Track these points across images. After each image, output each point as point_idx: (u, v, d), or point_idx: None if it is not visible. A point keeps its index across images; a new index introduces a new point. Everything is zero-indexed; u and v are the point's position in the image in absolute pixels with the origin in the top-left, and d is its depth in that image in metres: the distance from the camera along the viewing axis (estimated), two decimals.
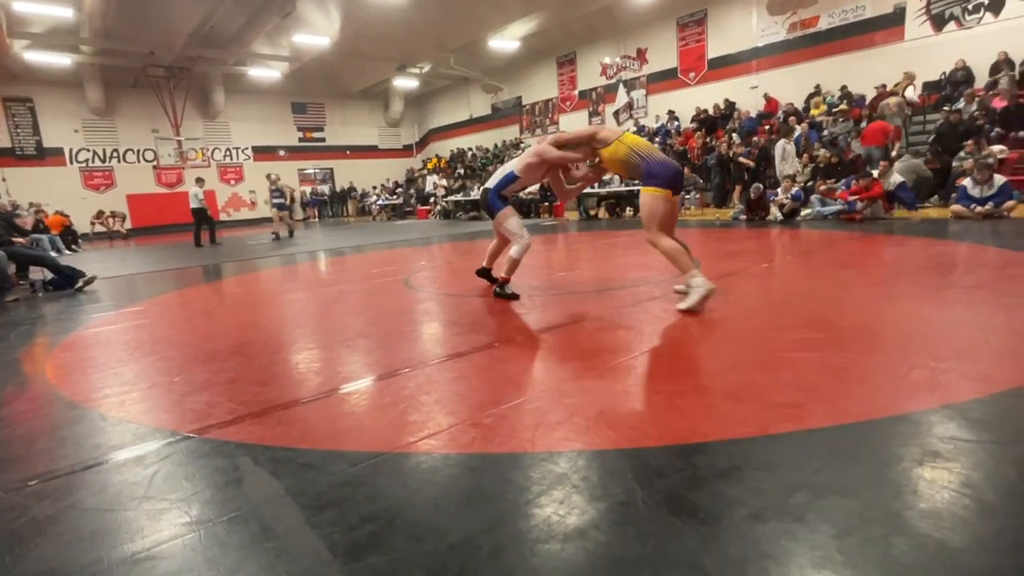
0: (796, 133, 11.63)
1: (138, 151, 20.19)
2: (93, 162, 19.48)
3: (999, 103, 9.59)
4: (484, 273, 4.46)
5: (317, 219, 22.85)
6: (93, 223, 18.35)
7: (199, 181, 12.24)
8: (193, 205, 11.75)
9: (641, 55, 16.93)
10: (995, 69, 10.42)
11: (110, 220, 18.61)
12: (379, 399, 2.29)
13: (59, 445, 2.04)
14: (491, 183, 4.07)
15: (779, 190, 9.18)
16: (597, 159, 3.80)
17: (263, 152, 23.13)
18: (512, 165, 4.01)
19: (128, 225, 19.06)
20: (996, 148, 8.62)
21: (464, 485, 1.56)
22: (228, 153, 22.43)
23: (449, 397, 2.24)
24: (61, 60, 16.21)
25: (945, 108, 10.17)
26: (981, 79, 10.60)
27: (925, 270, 4.38)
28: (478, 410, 2.06)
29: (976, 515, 1.27)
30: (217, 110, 21.21)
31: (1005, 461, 1.49)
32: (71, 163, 19.11)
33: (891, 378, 2.12)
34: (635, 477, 1.52)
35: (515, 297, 4.00)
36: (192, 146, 20.90)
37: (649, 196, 3.46)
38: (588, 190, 11.39)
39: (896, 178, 7.97)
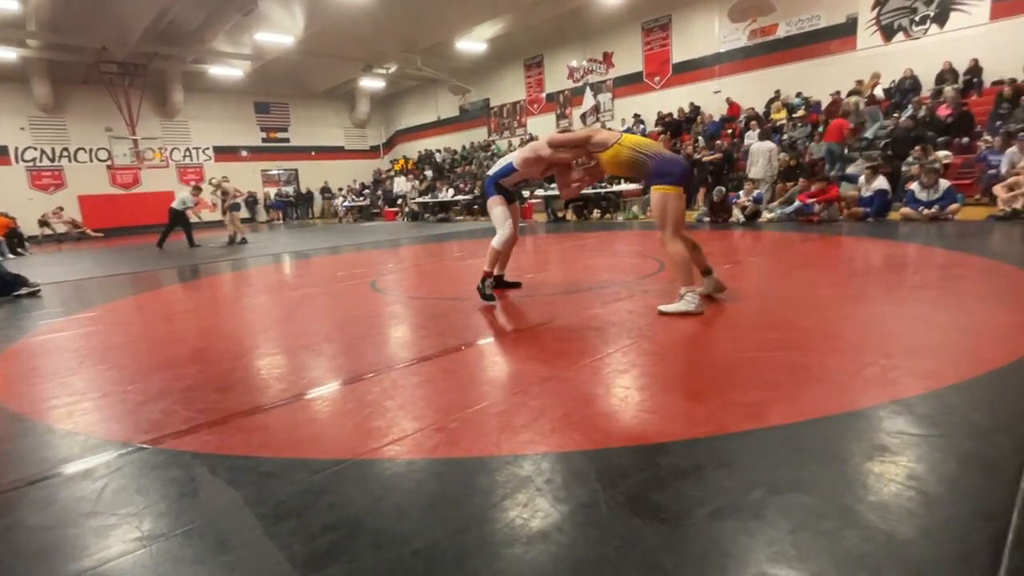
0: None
1: (91, 150, 19.40)
2: (41, 161, 18.63)
3: (944, 111, 10.06)
4: (500, 281, 4.30)
5: (282, 221, 22.35)
6: (43, 223, 17.47)
7: (196, 190, 11.90)
8: (174, 206, 11.34)
9: (607, 59, 17.16)
10: (940, 79, 10.94)
11: (54, 218, 17.60)
12: (343, 405, 2.25)
13: (1, 460, 1.94)
14: (492, 170, 4.09)
15: (741, 193, 9.42)
16: (593, 161, 3.70)
17: (225, 152, 22.53)
18: (512, 157, 4.03)
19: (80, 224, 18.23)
20: (941, 154, 9.05)
21: (428, 491, 1.55)
22: (188, 153, 21.76)
23: (414, 402, 2.22)
24: (6, 54, 15.48)
25: (895, 115, 10.62)
26: (928, 87, 11.12)
27: (877, 271, 4.55)
28: (443, 414, 2.05)
29: (921, 507, 1.32)
30: (176, 109, 20.56)
31: (949, 454, 1.56)
32: (17, 162, 18.24)
33: (845, 375, 2.20)
34: (598, 478, 1.54)
35: (492, 300, 3.91)
36: (149, 146, 20.20)
37: (661, 195, 3.34)
38: (555, 192, 11.46)
39: (880, 182, 8.11)
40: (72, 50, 16.11)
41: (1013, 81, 9.82)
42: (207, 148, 22.16)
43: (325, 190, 23.55)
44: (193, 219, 11.85)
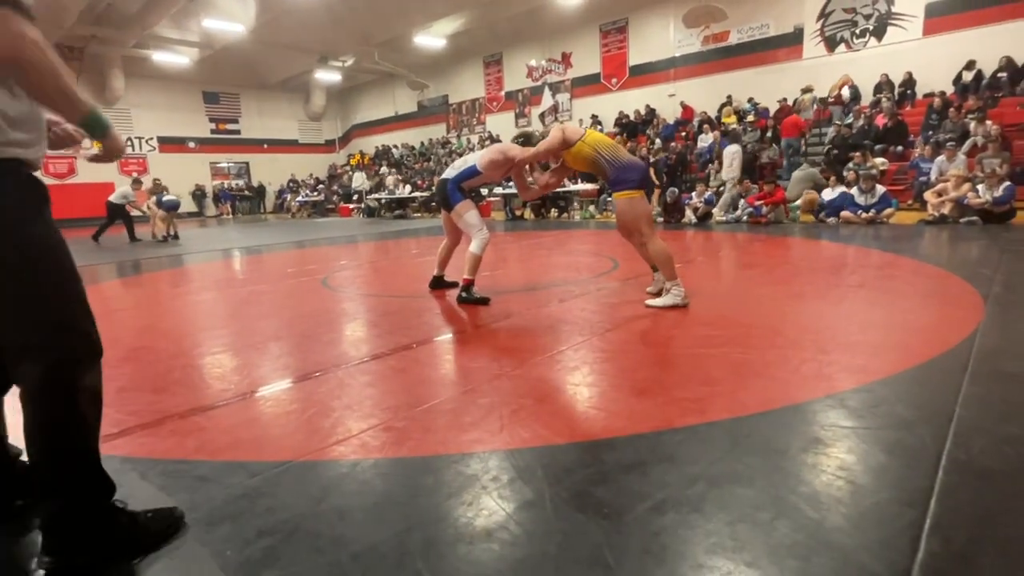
0: (710, 141, 12.33)
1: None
2: None
3: (881, 120, 10.61)
4: (438, 282, 4.24)
5: (230, 215, 21.56)
6: None
7: (136, 183, 11.27)
8: (113, 199, 10.73)
9: (566, 59, 17.30)
10: (878, 89, 11.53)
11: None
12: (287, 405, 2.18)
13: None
14: (450, 174, 3.89)
15: (693, 194, 9.67)
16: (560, 160, 3.75)
17: (171, 143, 21.54)
18: (474, 158, 3.86)
19: None
20: (878, 160, 9.53)
21: (372, 492, 1.52)
22: (130, 143, 20.68)
23: (361, 401, 2.17)
24: None
25: (836, 123, 11.12)
26: (867, 97, 11.70)
27: (817, 270, 4.76)
28: (391, 414, 2.02)
29: (849, 496, 1.38)
30: (116, 95, 19.49)
31: (875, 445, 1.64)
32: None
33: (785, 371, 2.28)
34: (544, 476, 1.54)
35: (484, 301, 3.74)
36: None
37: (626, 200, 3.45)
38: (512, 190, 11.49)
39: (840, 188, 8.39)
40: None
41: (943, 94, 10.44)
42: (151, 138, 21.13)
43: (292, 182, 22.59)
44: (134, 213, 11.19)
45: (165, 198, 11.15)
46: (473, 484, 1.51)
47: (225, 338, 3.33)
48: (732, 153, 10.32)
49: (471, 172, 3.83)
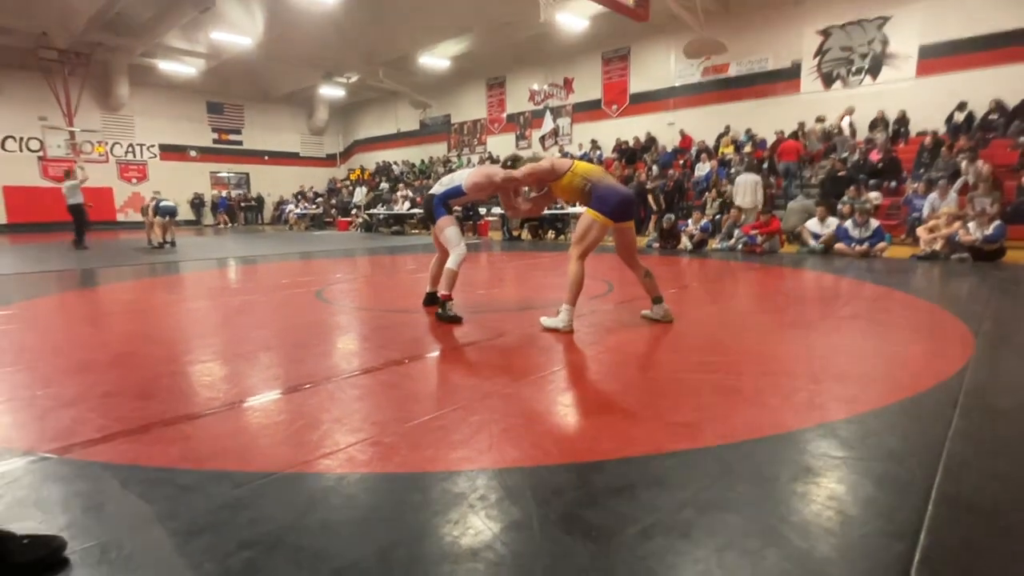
0: (708, 170, 12.50)
1: (21, 139, 18.23)
2: None
3: (875, 156, 10.79)
4: (432, 298, 4.19)
5: (228, 225, 21.54)
6: None
7: (69, 174, 10.79)
8: (71, 200, 10.46)
9: (568, 84, 17.58)
10: (873, 125, 11.75)
11: None
12: (275, 416, 2.16)
13: None
14: (437, 189, 3.96)
15: (690, 221, 9.76)
16: (544, 189, 3.82)
17: (172, 151, 21.63)
18: (461, 178, 3.92)
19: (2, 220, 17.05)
20: (872, 195, 9.67)
21: (357, 506, 1.49)
22: (131, 149, 20.75)
23: (351, 414, 2.15)
24: None
25: (832, 156, 11.31)
26: (862, 133, 11.92)
27: (810, 301, 4.79)
28: (380, 428, 2.00)
29: (839, 526, 1.37)
30: (120, 102, 19.62)
31: (866, 476, 1.63)
32: None
33: (776, 399, 2.28)
34: (533, 496, 1.52)
35: (458, 320, 3.74)
36: (88, 138, 19.14)
37: (589, 219, 3.46)
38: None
39: (833, 221, 8.38)
40: (8, 33, 15.18)
41: (935, 133, 10.65)
42: (152, 145, 21.21)
43: (300, 193, 22.55)
44: (131, 219, 11.04)
45: (162, 203, 11.05)
46: (460, 502, 1.49)
47: (216, 346, 3.30)
48: (748, 182, 10.39)
49: (457, 192, 3.89)
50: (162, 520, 1.41)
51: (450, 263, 3.83)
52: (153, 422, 2.07)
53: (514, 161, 3.95)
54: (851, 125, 11.95)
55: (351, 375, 2.65)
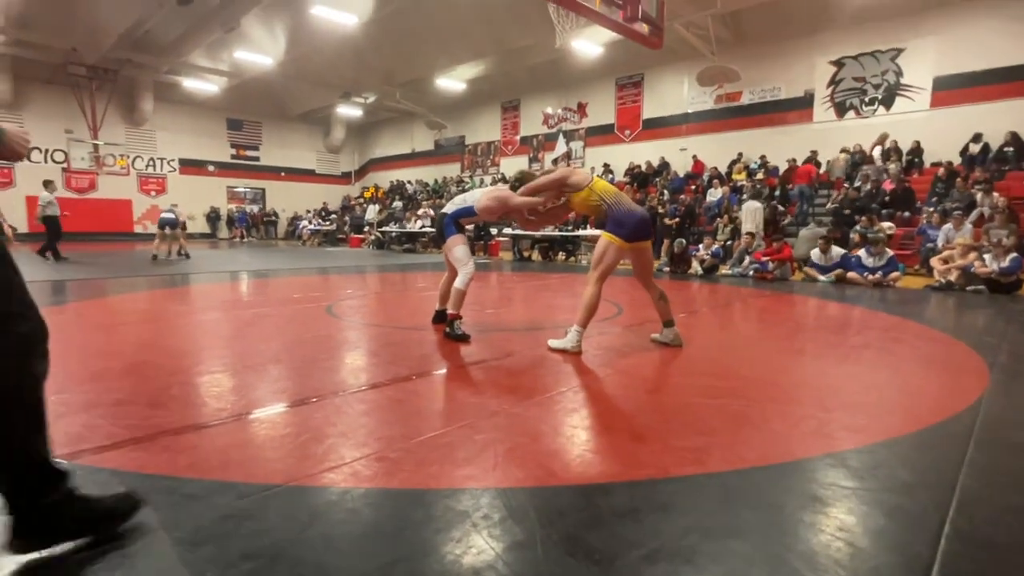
0: (719, 196, 12.53)
1: (46, 151, 18.70)
2: None
3: (888, 185, 10.77)
4: (441, 316, 4.16)
5: (243, 239, 21.84)
6: None
7: (48, 184, 10.54)
8: (49, 212, 10.08)
9: (581, 109, 17.80)
10: (886, 156, 11.75)
11: None
12: (281, 428, 2.17)
13: None
14: (449, 208, 3.99)
15: (701, 246, 9.75)
16: (562, 199, 3.80)
17: (191, 166, 22.09)
18: (474, 198, 3.95)
19: (24, 229, 17.36)
20: (885, 224, 9.62)
21: (360, 521, 1.49)
22: (152, 163, 21.22)
23: (356, 429, 2.15)
24: None
25: (844, 185, 11.29)
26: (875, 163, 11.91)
27: (821, 328, 4.75)
28: (385, 444, 2.00)
29: (848, 557, 1.35)
30: (144, 117, 20.14)
31: (876, 507, 1.60)
32: None
33: (784, 426, 2.25)
34: (536, 517, 1.51)
35: (466, 339, 3.73)
36: (111, 152, 19.61)
37: (606, 242, 3.50)
38: (522, 231, 11.67)
39: (838, 251, 8.42)
40: (40, 48, 15.71)
41: (949, 164, 10.63)
42: (172, 159, 21.68)
43: (298, 218, 22.89)
44: (137, 229, 10.90)
45: (162, 215, 10.91)
46: (463, 520, 1.49)
47: (226, 358, 3.33)
48: (754, 209, 10.47)
49: (468, 212, 3.92)
50: (167, 528, 1.42)
51: (458, 282, 3.83)
52: (162, 431, 2.08)
53: (520, 179, 3.93)
54: (883, 154, 11.78)
55: (358, 390, 2.66)
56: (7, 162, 1.44)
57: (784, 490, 1.71)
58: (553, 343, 3.53)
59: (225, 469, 1.78)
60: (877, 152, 11.86)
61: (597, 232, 12.63)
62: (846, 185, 11.26)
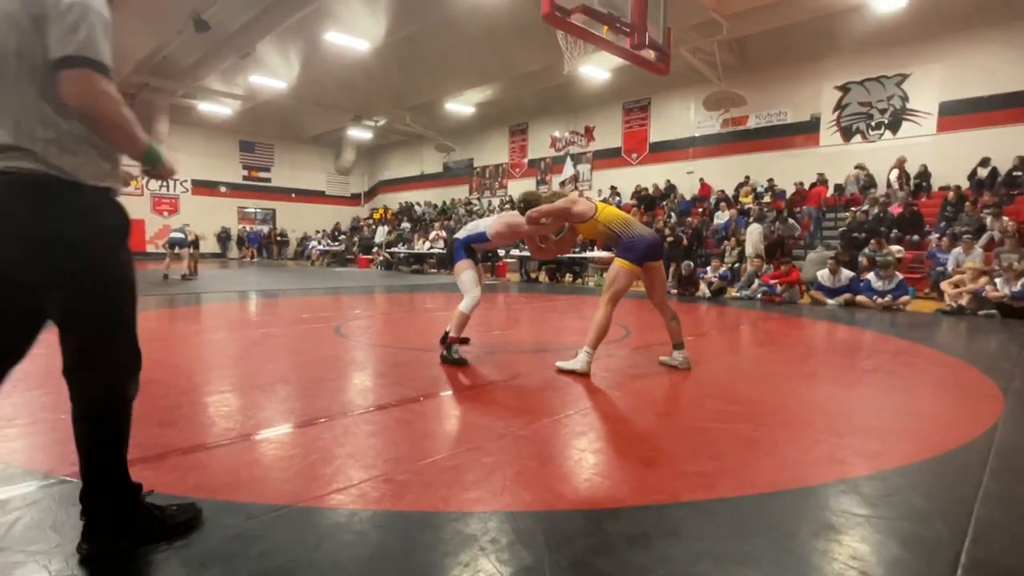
0: (727, 218, 12.56)
1: (138, 176, 19.06)
2: None
3: (896, 209, 10.75)
4: (447, 337, 4.08)
5: (253, 259, 22.05)
6: None
7: None
8: None
9: (589, 132, 17.98)
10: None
11: None
12: (290, 449, 2.17)
13: None
14: (461, 234, 4.03)
15: (708, 268, 9.75)
16: (566, 229, 3.88)
17: (203, 186, 22.44)
18: (485, 224, 3.99)
19: None
20: (894, 248, 9.58)
21: (368, 543, 1.48)
22: (165, 184, 21.57)
23: (364, 450, 2.15)
24: None
25: (852, 208, 11.29)
26: (882, 186, 11.92)
27: (831, 352, 4.71)
28: (393, 465, 1.99)
29: None
30: (159, 139, 20.48)
31: (890, 536, 1.58)
32: None
33: (796, 451, 2.23)
34: (544, 541, 1.50)
35: (462, 364, 3.70)
36: (126, 171, 19.95)
37: (618, 267, 3.54)
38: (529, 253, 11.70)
39: (847, 273, 8.38)
40: None
41: (958, 188, 10.62)
42: (185, 180, 22.04)
43: (307, 238, 23.13)
44: (149, 248, 11.09)
45: (171, 235, 11.03)
46: (471, 544, 1.48)
47: (235, 377, 3.35)
48: (756, 232, 10.51)
49: (481, 238, 3.95)
50: (175, 548, 1.42)
51: (462, 306, 3.81)
52: (171, 450, 2.09)
53: (527, 201, 3.88)
54: (900, 178, 11.62)
55: (366, 411, 2.66)
56: (161, 180, 1.69)
57: (796, 517, 1.68)
58: (562, 364, 3.52)
59: (234, 489, 1.78)
60: (894, 175, 11.68)
61: (605, 254, 12.76)
62: (853, 209, 11.24)
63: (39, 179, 1.25)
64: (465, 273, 3.89)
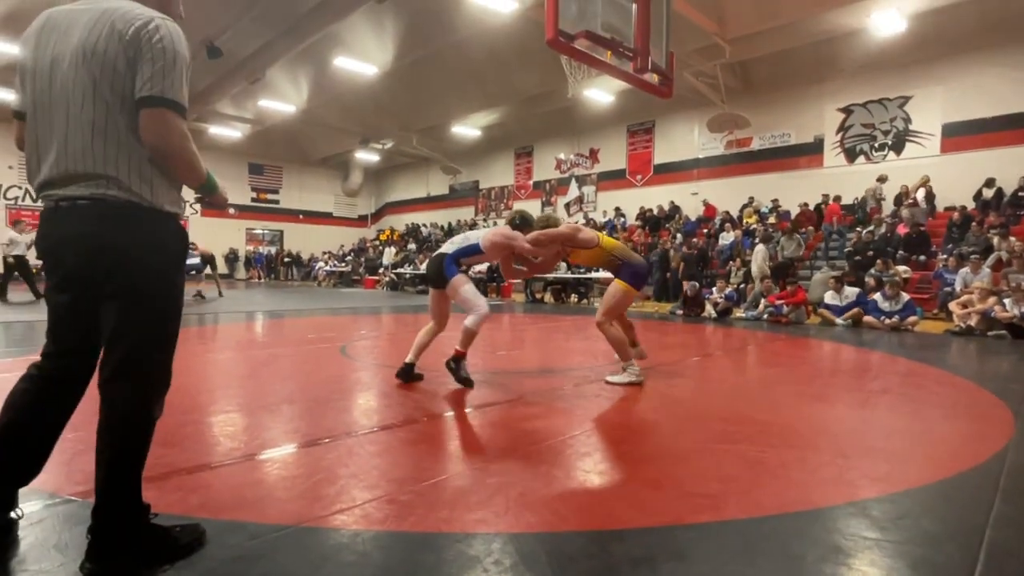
0: (732, 239, 12.57)
1: (194, 202, 19.39)
2: (24, 200, 18.56)
3: (903, 230, 10.75)
4: (408, 372, 3.73)
5: (260, 279, 22.20)
6: None
7: (18, 225, 10.35)
8: (17, 252, 9.73)
9: (593, 154, 18.16)
10: (898, 200, 11.77)
11: None
12: (293, 469, 2.16)
13: None
14: (448, 248, 3.69)
15: (714, 289, 9.73)
16: (553, 251, 3.94)
17: (212, 208, 22.71)
18: (477, 236, 3.71)
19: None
20: (901, 268, 9.55)
21: (370, 564, 1.47)
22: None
23: (368, 471, 2.14)
24: (6, 96, 15.77)
25: (858, 229, 11.29)
26: (887, 207, 11.93)
27: (838, 373, 4.66)
28: (396, 486, 1.98)
29: None
30: None
31: (900, 560, 1.55)
32: None
33: (803, 473, 2.20)
34: (548, 563, 1.48)
35: (469, 384, 3.56)
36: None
37: (620, 289, 3.83)
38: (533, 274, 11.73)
39: (852, 291, 8.37)
40: None
41: (963, 208, 10.61)
42: (194, 203, 22.34)
43: (314, 259, 23.38)
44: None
45: (190, 260, 11.19)
46: (474, 566, 1.46)
47: (239, 397, 3.36)
48: (761, 252, 10.51)
49: (474, 250, 3.68)
50: (178, 569, 1.41)
51: (469, 322, 3.56)
52: (174, 470, 2.09)
53: (523, 220, 3.87)
54: (926, 198, 11.59)
55: (370, 431, 2.65)
56: (215, 208, 1.83)
57: (804, 540, 1.66)
58: (614, 379, 3.80)
59: (237, 509, 1.78)
60: (921, 194, 11.54)
61: (609, 275, 12.76)
62: (859, 229, 11.24)
63: (123, 205, 1.38)
64: (464, 288, 3.60)
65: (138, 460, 1.44)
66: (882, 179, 12.21)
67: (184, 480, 2.00)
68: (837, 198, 12.66)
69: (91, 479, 1.98)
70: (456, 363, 3.61)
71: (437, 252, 3.77)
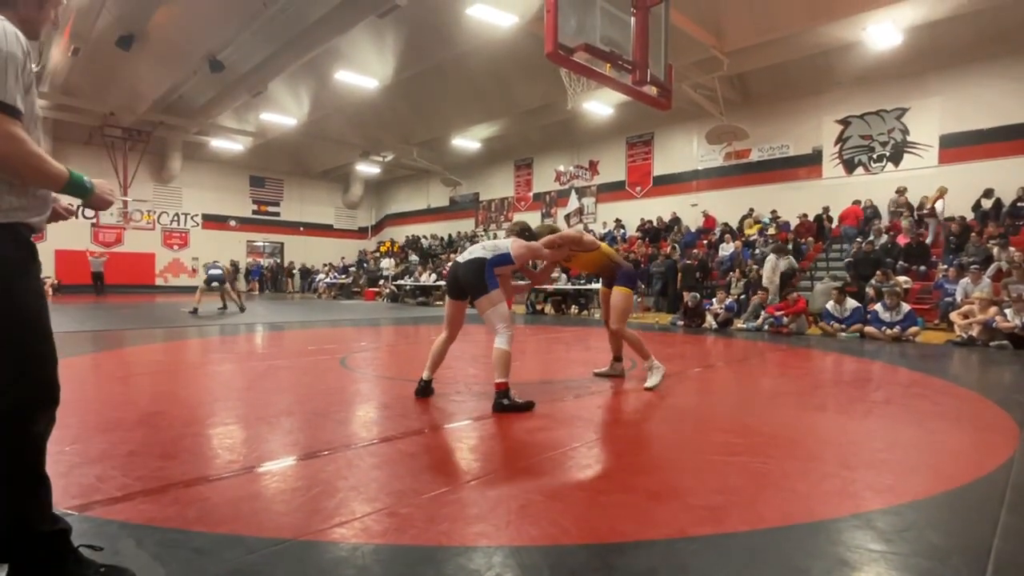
0: (732, 250, 12.59)
1: (77, 207, 19.43)
2: None
3: (903, 240, 10.76)
4: (425, 388, 3.61)
5: (258, 291, 22.21)
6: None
7: None
8: None
9: (593, 166, 18.25)
10: (898, 213, 11.79)
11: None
12: (292, 482, 2.15)
13: None
14: (486, 254, 3.40)
15: (714, 300, 9.72)
16: (545, 264, 4.17)
17: (213, 220, 22.82)
18: (506, 245, 3.49)
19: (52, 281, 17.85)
20: (901, 279, 9.55)
21: None
22: (176, 218, 21.97)
23: (368, 483, 2.13)
24: None
25: (858, 239, 11.30)
26: (886, 218, 11.96)
27: (841, 384, 4.64)
28: (396, 499, 1.96)
29: None
30: (172, 175, 21.02)
31: (906, 572, 1.53)
32: None
33: (806, 485, 2.18)
34: None
35: (529, 407, 3.26)
36: (139, 207, 20.39)
37: (624, 296, 4.06)
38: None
39: (853, 302, 8.33)
40: (80, 112, 16.65)
41: (963, 219, 10.63)
42: (196, 215, 22.43)
43: (315, 271, 23.44)
44: (159, 282, 11.21)
45: (211, 271, 11.22)
46: None
47: (239, 409, 3.34)
48: (771, 263, 10.50)
49: (506, 260, 3.43)
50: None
51: (502, 343, 3.33)
52: (173, 482, 2.07)
53: (527, 229, 3.84)
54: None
55: (370, 443, 2.63)
56: (97, 210, 1.64)
57: (808, 552, 1.64)
58: (650, 384, 3.94)
59: (234, 522, 1.76)
60: (940, 205, 11.32)
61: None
62: (859, 239, 11.24)
63: None
64: (501, 306, 3.33)
65: (11, 471, 1.33)
66: (901, 191, 12.04)
67: (181, 493, 1.98)
68: (856, 202, 12.46)
69: (89, 492, 1.97)
70: (506, 397, 3.26)
71: (472, 256, 3.44)
